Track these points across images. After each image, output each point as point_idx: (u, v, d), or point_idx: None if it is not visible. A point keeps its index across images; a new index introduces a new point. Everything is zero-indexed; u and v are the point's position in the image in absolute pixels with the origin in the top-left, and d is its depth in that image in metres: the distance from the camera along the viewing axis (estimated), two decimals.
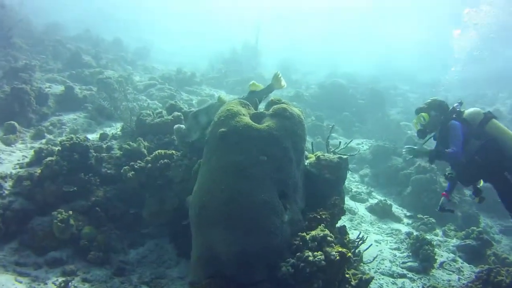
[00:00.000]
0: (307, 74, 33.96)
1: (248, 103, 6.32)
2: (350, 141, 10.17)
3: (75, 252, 7.62)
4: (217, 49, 35.20)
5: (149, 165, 7.85)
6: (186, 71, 22.94)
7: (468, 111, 7.10)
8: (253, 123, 5.66)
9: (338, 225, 6.58)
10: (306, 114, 20.24)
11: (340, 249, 5.43)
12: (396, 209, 12.74)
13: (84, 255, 7.53)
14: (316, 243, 5.43)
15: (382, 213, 12.18)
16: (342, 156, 6.79)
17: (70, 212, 7.55)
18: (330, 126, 8.95)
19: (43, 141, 11.54)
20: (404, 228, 11.51)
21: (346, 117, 21.26)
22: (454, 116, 7.03)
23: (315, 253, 5.24)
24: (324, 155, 6.68)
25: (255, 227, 5.10)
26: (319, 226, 5.72)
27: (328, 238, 5.49)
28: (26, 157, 10.12)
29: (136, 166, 7.88)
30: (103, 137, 10.65)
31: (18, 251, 7.58)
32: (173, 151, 8.09)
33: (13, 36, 21.59)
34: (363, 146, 18.30)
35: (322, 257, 5.19)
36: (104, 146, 9.72)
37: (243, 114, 5.82)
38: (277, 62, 34.31)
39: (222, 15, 70.75)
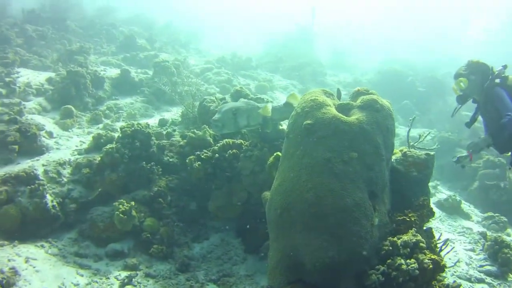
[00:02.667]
0: (361, 60, 33.00)
1: (331, 92, 5.90)
2: (428, 133, 9.61)
3: (137, 245, 7.44)
4: (271, 33, 34.72)
5: (216, 155, 7.50)
6: (241, 55, 22.58)
7: None
8: (342, 116, 5.19)
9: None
10: None
11: (433, 256, 4.94)
12: (463, 205, 12.06)
13: (146, 248, 7.33)
14: (408, 249, 4.95)
15: (451, 209, 11.63)
16: (429, 152, 6.26)
17: (133, 203, 7.32)
18: (411, 119, 8.36)
19: (100, 126, 11.40)
20: (475, 226, 10.93)
21: (406, 105, 20.54)
22: (498, 81, 6.43)
23: (408, 260, 4.77)
24: (410, 151, 6.16)
25: (345, 231, 4.67)
26: (410, 230, 5.23)
27: (421, 244, 5.00)
28: (83, 142, 9.97)
29: (202, 156, 7.56)
30: (162, 123, 10.43)
31: (78, 241, 7.45)
32: (242, 141, 7.74)
33: (67, 19, 21.70)
34: (425, 137, 17.53)
35: (416, 265, 4.71)
36: (164, 132, 9.48)
37: (329, 105, 5.36)
38: (332, 47, 33.46)
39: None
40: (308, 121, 5.14)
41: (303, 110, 5.36)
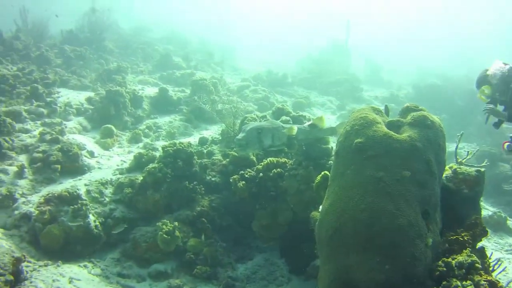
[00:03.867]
0: (396, 74, 32.63)
1: (380, 109, 5.78)
2: (477, 151, 9.39)
3: (180, 265, 7.45)
4: (305, 49, 34.70)
5: (261, 174, 7.45)
6: (277, 71, 22.59)
7: None
8: (393, 133, 5.11)
9: None
10: None
11: (488, 278, 4.75)
12: (509, 222, 11.73)
13: (189, 269, 7.34)
14: (463, 270, 4.77)
15: (496, 226, 11.37)
16: (480, 168, 6.08)
17: (176, 224, 7.32)
18: (459, 135, 8.20)
19: (140, 145, 11.51)
20: None
21: (445, 120, 20.06)
22: None
23: (464, 282, 4.60)
24: (460, 168, 5.99)
25: (399, 252, 4.56)
26: (465, 251, 5.05)
27: (476, 264, 4.82)
28: (124, 162, 10.08)
29: (246, 175, 7.52)
30: (202, 141, 10.43)
31: (120, 261, 7.49)
32: (285, 159, 7.68)
33: (105, 39, 22.14)
34: (465, 151, 17.18)
35: (472, 287, 4.53)
36: (205, 151, 9.49)
37: (379, 122, 5.27)
38: (365, 62, 33.20)
39: (305, 14, 70.32)
40: (359, 140, 5.06)
41: (353, 128, 5.27)
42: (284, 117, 8.95)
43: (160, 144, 11.40)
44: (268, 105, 16.38)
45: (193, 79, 16.00)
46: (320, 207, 5.59)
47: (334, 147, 5.72)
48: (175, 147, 8.25)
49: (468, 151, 8.49)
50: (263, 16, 68.51)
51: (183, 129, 13.04)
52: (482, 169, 6.13)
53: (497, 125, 7.35)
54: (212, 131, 13.06)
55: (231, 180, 7.69)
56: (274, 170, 7.43)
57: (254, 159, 8.18)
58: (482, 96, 7.35)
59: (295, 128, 6.19)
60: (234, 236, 8.00)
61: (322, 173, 6.36)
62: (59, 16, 22.70)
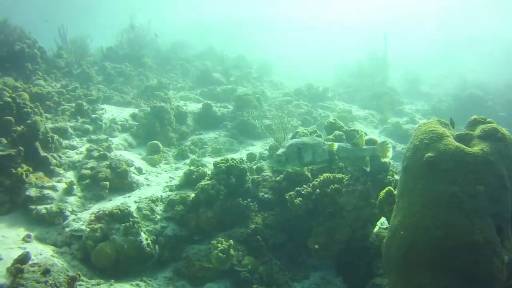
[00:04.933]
0: (433, 86, 32.07)
1: (446, 122, 5.66)
2: None
3: (234, 284, 7.31)
4: (342, 61, 34.55)
5: (317, 190, 7.26)
6: (318, 86, 22.44)
7: None
8: (465, 147, 4.97)
9: None
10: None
11: None
12: None
13: None
14: None
15: None
16: None
17: (231, 242, 7.17)
18: None
19: (187, 161, 11.47)
20: None
21: None
22: None
23: None
24: None
25: (476, 270, 4.42)
26: None
27: None
28: (173, 178, 10.03)
29: (303, 192, 7.34)
30: (251, 157, 10.31)
31: (173, 280, 7.43)
32: (342, 175, 7.50)
33: (144, 56, 22.38)
34: None
35: None
36: (254, 167, 9.36)
37: (449, 136, 5.15)
38: (401, 73, 32.84)
39: (341, 27, 70.25)
40: (430, 154, 4.94)
41: (421, 142, 5.16)
42: (337, 132, 8.75)
43: (207, 160, 11.36)
44: (311, 120, 16.23)
45: (236, 94, 16.02)
46: (379, 223, 5.41)
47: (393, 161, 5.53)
48: (227, 164, 8.15)
49: None
50: (300, 28, 68.76)
51: (228, 145, 12.99)
52: None
53: None
54: (258, 147, 12.95)
55: (287, 197, 7.54)
56: (332, 186, 7.29)
57: (309, 175, 8.02)
58: None
59: (336, 144, 6.02)
60: (288, 253, 7.81)
61: (386, 188, 6.22)
62: (107, 28, 23.06)
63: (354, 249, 7.24)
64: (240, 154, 11.83)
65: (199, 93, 18.82)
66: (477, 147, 5.00)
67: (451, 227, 4.50)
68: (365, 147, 6.50)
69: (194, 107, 15.56)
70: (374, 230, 7.45)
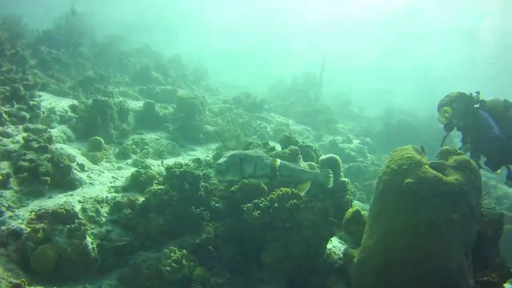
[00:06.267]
0: (363, 109, 33.11)
1: (420, 150, 5.84)
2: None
3: None
4: (276, 76, 35.03)
5: (276, 204, 7.15)
6: (255, 96, 22.41)
7: (489, 99, 7.79)
8: (442, 176, 5.19)
9: None
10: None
11: None
12: None
13: None
14: None
15: None
16: (502, 212, 6.27)
17: (184, 252, 6.91)
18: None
19: (129, 161, 11.07)
20: None
21: None
22: (478, 105, 7.69)
23: None
24: (485, 210, 6.15)
25: None
26: None
27: None
28: (116, 179, 9.62)
29: (261, 205, 7.18)
30: (197, 163, 10.01)
31: None
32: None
33: (82, 44, 21.43)
34: None
35: None
36: (201, 174, 9.06)
37: (425, 163, 5.37)
38: (334, 94, 33.83)
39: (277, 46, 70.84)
40: (410, 180, 5.12)
41: (400, 167, 5.32)
42: (292, 147, 8.73)
43: (150, 162, 10.95)
44: (252, 130, 16.08)
45: (180, 96, 15.62)
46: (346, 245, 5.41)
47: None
48: (181, 169, 7.88)
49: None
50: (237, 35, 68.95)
51: (170, 148, 12.70)
52: (505, 212, 6.40)
53: (448, 126, 7.90)
54: (200, 152, 12.70)
55: (244, 209, 7.38)
56: (291, 201, 7.22)
57: (266, 187, 7.87)
58: (441, 118, 7.88)
59: (279, 160, 5.91)
60: (238, 266, 7.62)
61: (354, 209, 6.48)
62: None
63: (307, 265, 7.22)
64: (183, 159, 11.58)
65: (138, 91, 18.32)
66: (452, 177, 5.24)
67: (428, 252, 4.79)
68: (308, 170, 6.39)
69: (134, 104, 15.04)
70: (327, 247, 7.51)
